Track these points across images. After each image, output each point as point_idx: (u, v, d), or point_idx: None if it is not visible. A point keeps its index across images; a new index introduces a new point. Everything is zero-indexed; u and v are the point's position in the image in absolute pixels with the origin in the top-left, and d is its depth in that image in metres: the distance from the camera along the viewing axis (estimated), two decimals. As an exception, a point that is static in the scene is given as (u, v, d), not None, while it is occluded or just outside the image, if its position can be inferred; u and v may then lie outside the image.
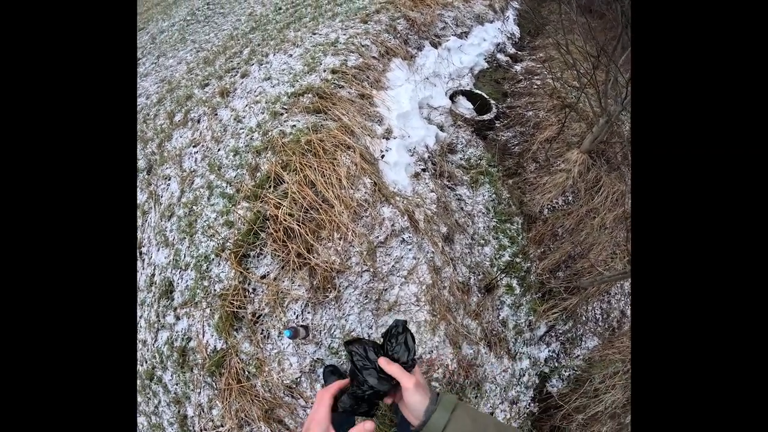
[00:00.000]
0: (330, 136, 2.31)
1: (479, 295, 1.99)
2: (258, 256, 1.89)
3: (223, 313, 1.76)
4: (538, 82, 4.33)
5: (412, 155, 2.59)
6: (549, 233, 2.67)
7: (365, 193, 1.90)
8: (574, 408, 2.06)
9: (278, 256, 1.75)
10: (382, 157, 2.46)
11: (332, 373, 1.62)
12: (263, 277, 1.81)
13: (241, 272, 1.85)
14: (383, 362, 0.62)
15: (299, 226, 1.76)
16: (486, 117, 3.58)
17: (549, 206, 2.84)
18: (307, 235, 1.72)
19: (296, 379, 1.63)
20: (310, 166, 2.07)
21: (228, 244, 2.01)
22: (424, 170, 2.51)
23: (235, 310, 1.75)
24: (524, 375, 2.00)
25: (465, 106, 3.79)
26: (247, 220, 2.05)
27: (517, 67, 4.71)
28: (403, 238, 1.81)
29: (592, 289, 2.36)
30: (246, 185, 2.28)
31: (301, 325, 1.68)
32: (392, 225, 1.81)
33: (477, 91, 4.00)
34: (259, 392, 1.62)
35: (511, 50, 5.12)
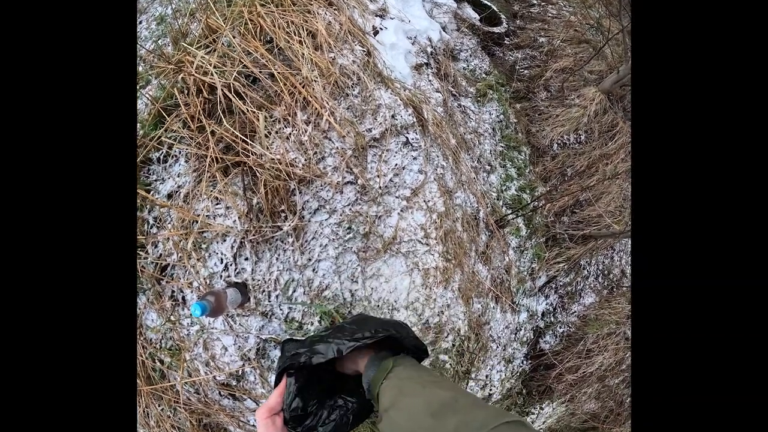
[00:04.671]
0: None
1: (487, 233, 1.53)
2: (164, 161, 1.20)
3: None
4: (553, 11, 3.76)
5: (413, 43, 1.93)
6: (557, 172, 2.26)
7: (353, 62, 1.25)
8: (567, 368, 1.79)
9: (192, 153, 1.07)
10: (375, 34, 1.77)
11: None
12: (171, 196, 1.15)
13: (137, 191, 1.16)
14: None
15: (235, 97, 1.05)
16: (495, 30, 2.96)
17: (559, 141, 2.40)
18: (247, 112, 1.02)
19: (237, 371, 1.05)
20: (267, 15, 1.33)
21: (122, 145, 1.28)
22: (427, 64, 1.88)
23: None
24: (521, 329, 1.65)
25: (470, 15, 3.12)
26: (152, 99, 1.31)
27: (528, -9, 4.10)
28: (407, 139, 1.22)
29: (599, 241, 2.03)
30: (164, 56, 1.50)
31: (232, 284, 1.02)
32: (392, 116, 1.21)
33: (486, 2, 3.32)
34: (182, 396, 1.05)
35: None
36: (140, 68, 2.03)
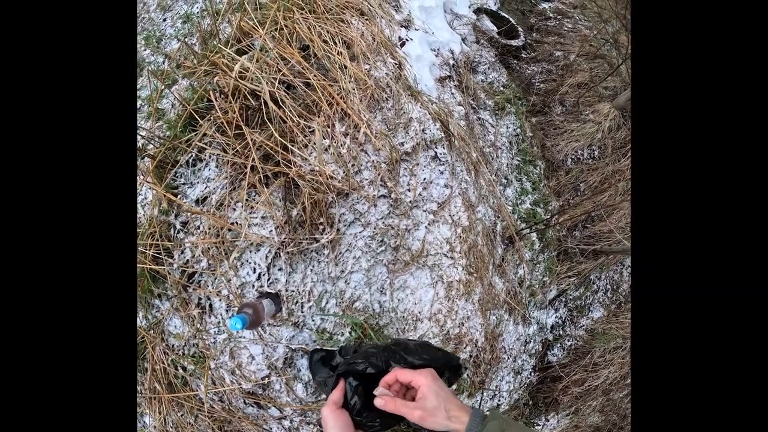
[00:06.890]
0: (335, -4, 1.59)
1: (503, 246, 1.57)
2: (193, 164, 1.21)
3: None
4: (569, 25, 3.81)
5: (436, 56, 1.97)
6: (570, 186, 2.30)
7: (387, 74, 1.28)
8: (573, 381, 1.83)
9: (227, 160, 1.08)
10: (402, 45, 1.81)
11: (324, 362, 1.05)
12: (200, 201, 1.17)
13: (164, 195, 1.14)
14: (381, 402, 0.55)
15: (275, 105, 1.08)
16: (514, 43, 3.00)
17: (573, 156, 2.44)
18: (287, 121, 1.05)
19: (263, 379, 1.07)
20: (303, 21, 1.37)
21: (149, 147, 1.29)
22: (449, 77, 1.92)
23: (152, 266, 1.08)
24: (530, 342, 1.69)
25: (488, 27, 3.17)
26: (183, 100, 1.33)
27: (545, 5, 4.15)
28: (436, 154, 1.26)
29: (609, 256, 2.07)
30: (193, 56, 1.52)
31: (265, 295, 1.03)
32: (422, 131, 1.24)
33: (504, 14, 3.36)
34: (205, 404, 1.07)
35: (542, -17, 4.47)
36: (165, 66, 2.05)
